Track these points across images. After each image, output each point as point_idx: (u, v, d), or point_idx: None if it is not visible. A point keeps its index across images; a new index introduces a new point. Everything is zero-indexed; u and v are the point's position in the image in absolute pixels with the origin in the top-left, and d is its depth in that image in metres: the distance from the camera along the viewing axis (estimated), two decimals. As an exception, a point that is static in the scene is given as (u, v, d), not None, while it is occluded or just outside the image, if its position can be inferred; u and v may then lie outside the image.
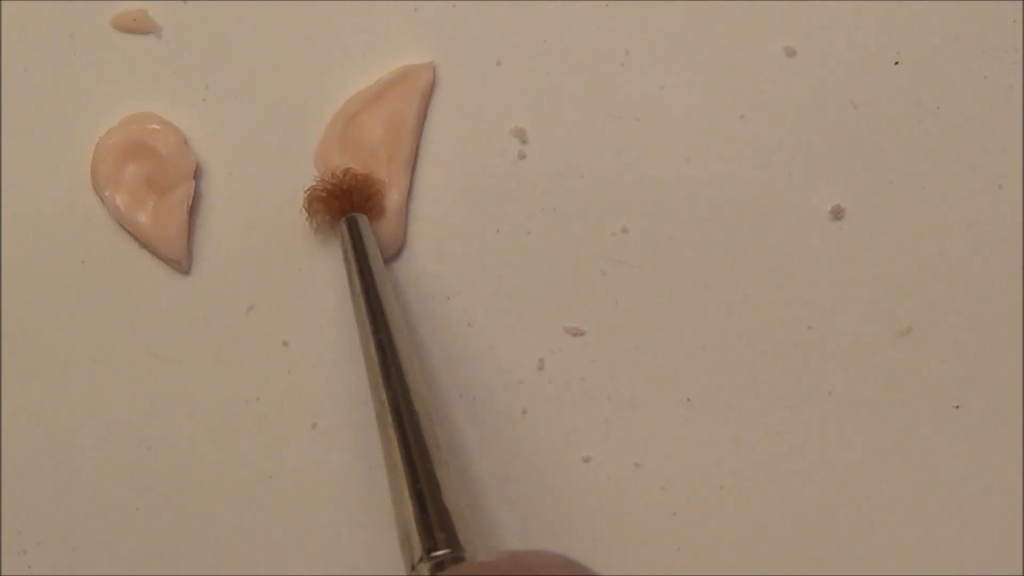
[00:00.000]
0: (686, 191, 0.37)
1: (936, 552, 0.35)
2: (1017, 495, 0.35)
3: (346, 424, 0.36)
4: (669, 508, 0.36)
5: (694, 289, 0.36)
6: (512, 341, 0.36)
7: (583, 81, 0.37)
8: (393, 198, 0.37)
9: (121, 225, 0.37)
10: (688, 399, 0.36)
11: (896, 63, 0.36)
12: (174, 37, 0.38)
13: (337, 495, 0.36)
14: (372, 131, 0.37)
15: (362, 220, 0.36)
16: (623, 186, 0.37)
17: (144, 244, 0.37)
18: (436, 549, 0.29)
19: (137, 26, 0.38)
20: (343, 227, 0.36)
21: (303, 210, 0.36)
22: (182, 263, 0.37)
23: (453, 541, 0.29)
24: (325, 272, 0.37)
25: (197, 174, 0.37)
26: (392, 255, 0.37)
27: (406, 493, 0.30)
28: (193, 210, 0.37)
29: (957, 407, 0.36)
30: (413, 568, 0.29)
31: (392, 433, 0.31)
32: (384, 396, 0.32)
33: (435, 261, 0.37)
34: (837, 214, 0.36)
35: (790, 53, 0.37)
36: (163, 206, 0.37)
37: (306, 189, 0.36)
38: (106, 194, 0.37)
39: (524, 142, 0.37)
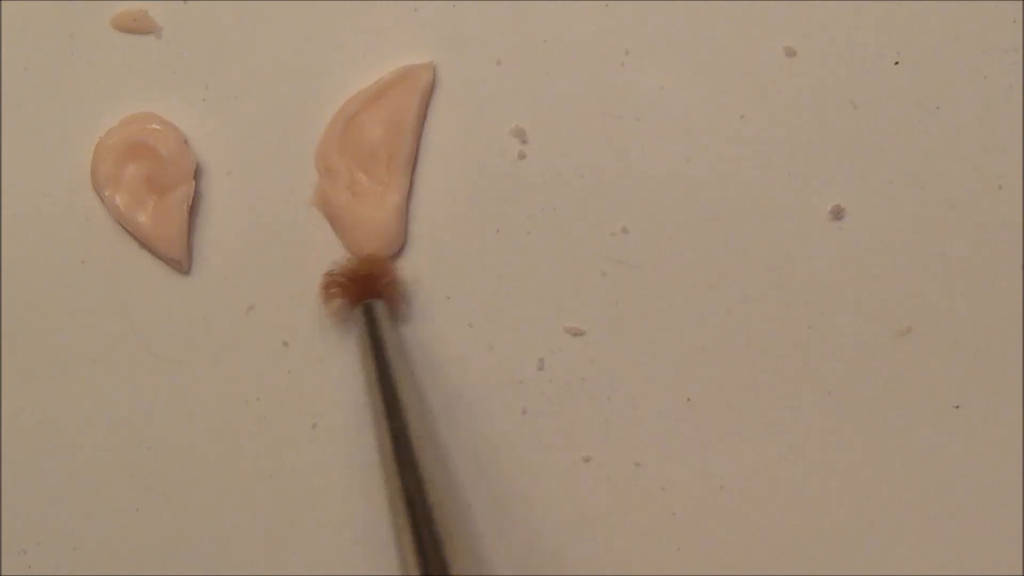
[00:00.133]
0: (686, 191, 0.37)
1: (936, 552, 0.35)
2: (1017, 495, 0.35)
3: (346, 424, 0.36)
4: (669, 508, 0.36)
5: (694, 289, 0.36)
6: (512, 341, 0.36)
7: (583, 81, 0.37)
8: (393, 198, 0.37)
9: (121, 225, 0.37)
10: (688, 399, 0.36)
11: (896, 63, 0.36)
12: (174, 37, 0.38)
13: (337, 495, 0.36)
14: (372, 131, 0.37)
15: (379, 307, 0.35)
16: (623, 186, 0.37)
17: (144, 244, 0.37)
18: None
19: (137, 26, 0.38)
20: (359, 314, 0.35)
21: (319, 295, 0.36)
22: (182, 263, 0.37)
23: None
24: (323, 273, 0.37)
25: (197, 174, 0.37)
26: (392, 255, 0.37)
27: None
28: (193, 210, 0.37)
29: (957, 407, 0.36)
30: None
31: (403, 523, 0.30)
32: (397, 485, 0.31)
33: (435, 261, 0.37)
34: (837, 214, 0.36)
35: (790, 53, 0.37)
36: (163, 206, 0.37)
37: (324, 274, 0.36)
38: (106, 194, 0.37)
39: (524, 142, 0.37)
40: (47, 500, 0.37)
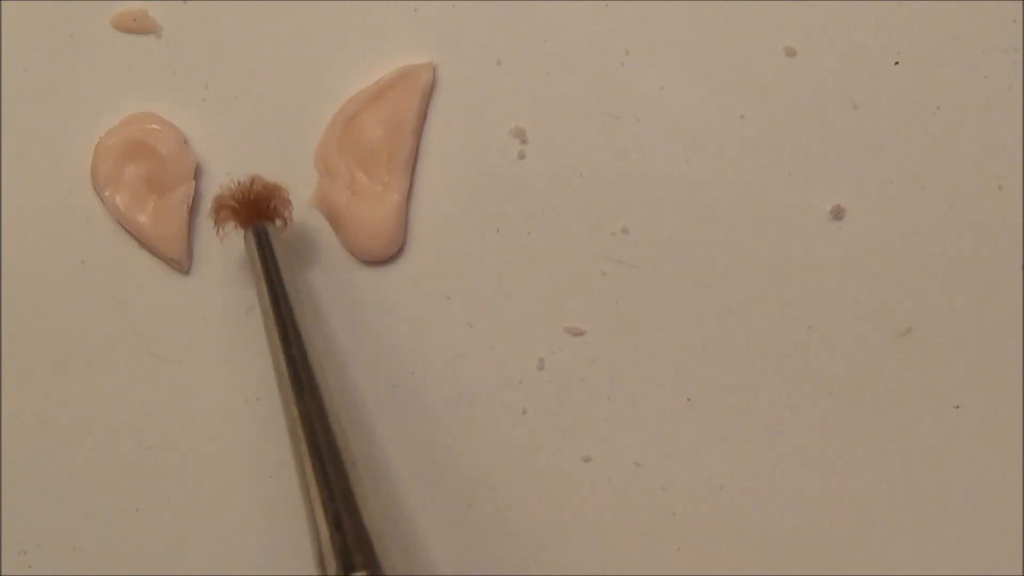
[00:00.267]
0: (686, 191, 0.37)
1: (936, 552, 0.35)
2: (1017, 495, 0.35)
3: (346, 424, 0.36)
4: (669, 508, 0.36)
5: (694, 289, 0.36)
6: (512, 341, 0.36)
7: (583, 81, 0.37)
8: (393, 198, 0.37)
9: (121, 225, 0.37)
10: (688, 399, 0.36)
11: (896, 63, 0.36)
12: (174, 37, 0.38)
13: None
14: (372, 131, 0.37)
15: (270, 229, 0.35)
16: (623, 186, 0.37)
17: (144, 244, 0.37)
18: (354, 570, 0.27)
19: (137, 26, 0.38)
20: (249, 237, 0.35)
21: (209, 217, 0.35)
22: (182, 263, 0.37)
23: (372, 561, 0.28)
24: (323, 273, 0.37)
25: (197, 174, 0.37)
26: (392, 255, 0.37)
27: (320, 512, 0.29)
28: (193, 210, 0.37)
29: (957, 407, 0.36)
30: None
31: (304, 450, 0.30)
32: (296, 412, 0.31)
33: (435, 261, 0.37)
34: (837, 214, 0.36)
35: (790, 53, 0.37)
36: (163, 206, 0.37)
37: (214, 197, 0.35)
38: (106, 194, 0.37)
39: (524, 142, 0.37)
40: (47, 500, 0.37)
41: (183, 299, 0.37)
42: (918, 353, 0.36)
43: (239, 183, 0.35)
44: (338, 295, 0.37)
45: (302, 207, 0.37)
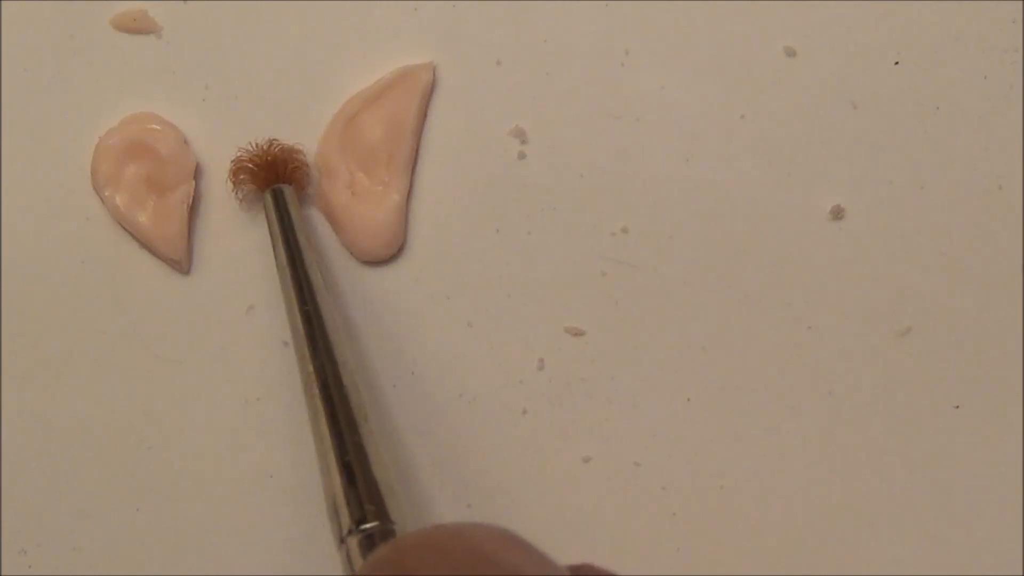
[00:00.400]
0: (686, 191, 0.37)
1: (936, 552, 0.35)
2: (1017, 495, 0.35)
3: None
4: (669, 508, 0.36)
5: (694, 289, 0.36)
6: (512, 341, 0.36)
7: (583, 81, 0.37)
8: (393, 198, 0.37)
9: (121, 225, 0.37)
10: (688, 399, 0.36)
11: (896, 63, 0.36)
12: (174, 37, 0.38)
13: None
14: (372, 131, 0.37)
15: (288, 191, 0.36)
16: (623, 186, 0.37)
17: (144, 244, 0.37)
18: (365, 521, 0.28)
19: (137, 26, 0.38)
20: (268, 198, 0.36)
21: (228, 181, 0.36)
22: (182, 263, 0.37)
23: (383, 513, 0.29)
24: (324, 272, 0.37)
25: (197, 174, 0.37)
26: (392, 255, 0.37)
27: (334, 465, 0.30)
28: (193, 210, 0.37)
29: (957, 407, 0.36)
30: (342, 542, 0.29)
31: (319, 404, 0.31)
32: (311, 367, 0.32)
33: (435, 261, 0.37)
34: (837, 214, 0.36)
35: (790, 53, 0.37)
36: (163, 206, 0.37)
37: (232, 160, 0.36)
38: (106, 194, 0.37)
39: (524, 142, 0.37)
40: (47, 500, 0.37)
41: (183, 299, 0.37)
42: (918, 353, 0.36)
43: (257, 145, 0.36)
44: (338, 295, 0.37)
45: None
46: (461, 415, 0.36)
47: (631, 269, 0.36)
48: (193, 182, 0.37)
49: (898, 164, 0.36)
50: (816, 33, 0.37)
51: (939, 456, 0.35)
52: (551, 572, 0.24)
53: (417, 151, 0.37)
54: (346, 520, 0.29)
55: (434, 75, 0.37)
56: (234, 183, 0.36)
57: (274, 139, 0.36)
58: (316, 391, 0.31)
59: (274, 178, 0.36)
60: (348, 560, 0.28)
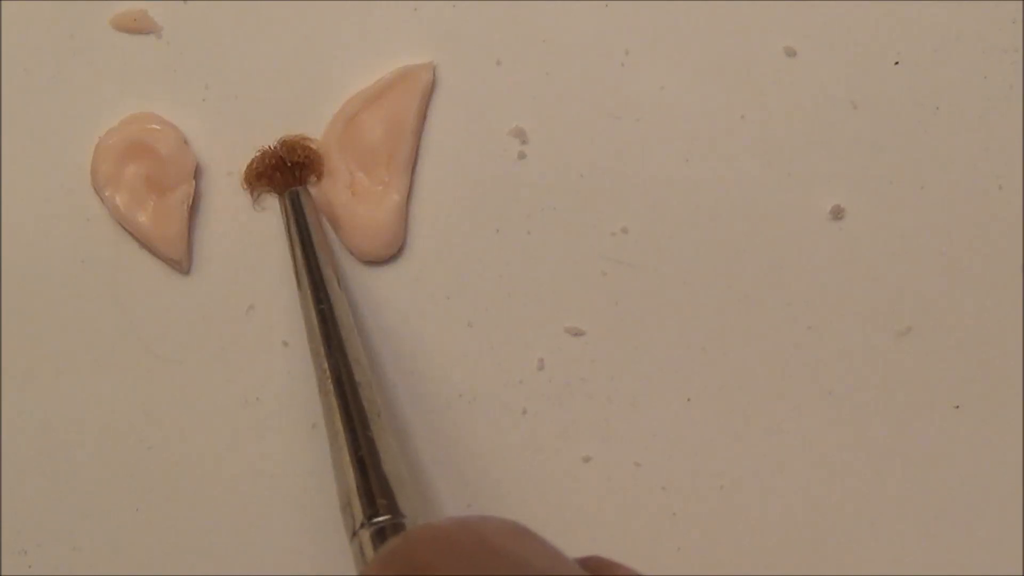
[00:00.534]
0: (686, 191, 0.37)
1: (936, 552, 0.35)
2: (1017, 495, 0.35)
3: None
4: (669, 508, 0.36)
5: (694, 289, 0.36)
6: (512, 341, 0.36)
7: (583, 81, 0.37)
8: (393, 198, 0.37)
9: (121, 225, 0.37)
10: (688, 399, 0.36)
11: (896, 63, 0.36)
12: (174, 37, 0.38)
13: (337, 496, 0.36)
14: (372, 131, 0.37)
15: (303, 193, 0.36)
16: (623, 186, 0.37)
17: (144, 244, 0.37)
18: (377, 515, 0.29)
19: (137, 26, 0.38)
20: (285, 201, 0.36)
21: (242, 185, 0.37)
22: (182, 263, 0.37)
23: (394, 508, 0.29)
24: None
25: (197, 174, 0.37)
26: (392, 255, 0.37)
27: (347, 460, 0.30)
28: (193, 210, 0.37)
29: (957, 407, 0.36)
30: (354, 535, 0.29)
31: (333, 401, 0.32)
32: (326, 365, 0.33)
33: (435, 261, 0.37)
34: (837, 214, 0.36)
35: (790, 53, 0.37)
36: (163, 206, 0.37)
37: (246, 165, 0.37)
38: (106, 194, 0.37)
39: (524, 142, 0.37)
40: (47, 500, 0.37)
41: (183, 299, 0.37)
42: (918, 353, 0.36)
43: (272, 149, 0.36)
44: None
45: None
46: (461, 415, 0.36)
47: (631, 269, 0.36)
48: (193, 182, 0.37)
49: (898, 164, 0.36)
50: (816, 33, 0.37)
51: (939, 456, 0.35)
52: (560, 564, 0.24)
53: (417, 151, 0.37)
54: (359, 514, 0.29)
55: (434, 75, 0.37)
56: (251, 189, 0.37)
57: (284, 138, 0.37)
58: (331, 387, 0.32)
59: (292, 180, 0.36)
60: (360, 553, 0.29)
